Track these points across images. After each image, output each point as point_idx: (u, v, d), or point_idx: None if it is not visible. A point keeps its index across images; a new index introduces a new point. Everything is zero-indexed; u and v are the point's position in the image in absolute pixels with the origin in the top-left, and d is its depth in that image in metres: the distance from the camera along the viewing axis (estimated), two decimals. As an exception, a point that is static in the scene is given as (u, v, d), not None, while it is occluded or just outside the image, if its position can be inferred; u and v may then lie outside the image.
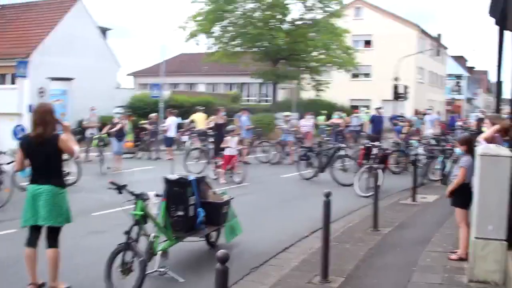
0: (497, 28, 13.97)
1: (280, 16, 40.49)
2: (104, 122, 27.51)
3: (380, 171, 14.72)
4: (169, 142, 24.10)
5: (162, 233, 7.62)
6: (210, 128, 19.57)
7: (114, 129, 19.61)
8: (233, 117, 27.46)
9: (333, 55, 41.41)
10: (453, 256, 8.32)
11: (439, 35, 75.90)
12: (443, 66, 77.49)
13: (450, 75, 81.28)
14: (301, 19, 42.13)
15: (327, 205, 7.40)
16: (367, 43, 60.24)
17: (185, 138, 24.63)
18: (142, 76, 63.63)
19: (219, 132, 18.51)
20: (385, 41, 57.51)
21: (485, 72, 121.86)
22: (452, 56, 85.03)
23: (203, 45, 44.54)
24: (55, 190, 6.75)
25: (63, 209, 6.83)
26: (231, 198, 9.06)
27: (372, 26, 58.12)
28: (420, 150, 17.26)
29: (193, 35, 40.83)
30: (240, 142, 21.66)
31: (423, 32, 63.30)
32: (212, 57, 42.01)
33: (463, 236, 8.28)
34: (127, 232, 6.74)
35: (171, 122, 24.27)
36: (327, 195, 7.36)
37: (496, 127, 9.07)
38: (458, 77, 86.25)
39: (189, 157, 18.79)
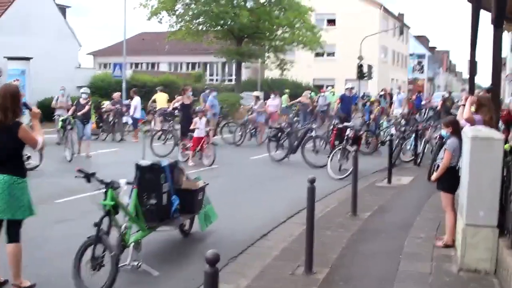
0: (469, 6, 13.72)
1: (243, -7, 39.78)
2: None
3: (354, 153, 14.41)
4: (136, 123, 23.44)
5: (134, 224, 7.08)
6: (175, 109, 18.94)
7: (83, 111, 17.98)
8: (200, 96, 27.01)
9: (298, 34, 40.89)
10: (439, 243, 7.99)
11: (401, 14, 76.05)
12: (406, 46, 77.77)
13: (412, 55, 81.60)
14: (265, -4, 41.45)
15: (311, 192, 6.91)
16: (331, 21, 59.95)
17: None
18: (103, 55, 62.17)
19: (186, 112, 17.90)
20: (348, 20, 57.29)
21: (446, 52, 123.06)
22: (414, 36, 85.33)
23: (165, 23, 43.57)
24: (12, 180, 6.06)
25: (23, 201, 6.15)
26: (206, 184, 8.56)
27: (336, 5, 57.73)
28: (393, 131, 16.96)
29: (155, 12, 39.78)
30: (207, 122, 21.20)
31: (386, 11, 63.26)
32: (175, 35, 41.06)
33: (450, 222, 7.95)
34: (97, 224, 6.20)
35: (136, 103, 23.60)
36: (312, 181, 6.85)
37: (470, 100, 8.73)
38: (421, 56, 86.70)
39: (155, 139, 18.11)
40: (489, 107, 8.74)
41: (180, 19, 40.70)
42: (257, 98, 22.10)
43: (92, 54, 65.65)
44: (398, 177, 13.79)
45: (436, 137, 15.24)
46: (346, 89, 20.68)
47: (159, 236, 8.10)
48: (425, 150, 16.34)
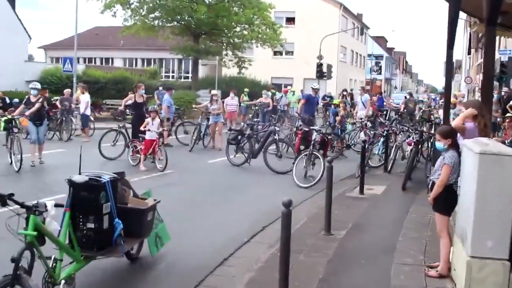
0: (446, 5, 12.71)
1: (201, -12, 38.28)
2: (13, 98, 25.17)
3: (322, 160, 13.24)
4: (86, 121, 21.85)
5: (67, 254, 5.70)
6: (127, 107, 17.42)
7: (32, 109, 14.96)
8: (154, 94, 25.50)
9: (257, 31, 39.64)
10: (432, 273, 6.80)
11: (360, 14, 75.67)
12: (364, 46, 77.44)
13: (370, 55, 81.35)
14: (224, -8, 40.06)
15: (287, 218, 5.59)
16: (290, 20, 58.98)
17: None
18: (54, 49, 60.11)
19: (138, 112, 16.46)
20: (308, 18, 56.50)
21: (403, 53, 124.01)
22: (372, 37, 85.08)
23: (120, 17, 41.76)
24: None
25: None
26: (157, 202, 7.14)
27: (295, 3, 56.78)
28: (362, 135, 15.83)
29: (108, 6, 37.93)
30: (161, 123, 19.76)
31: (346, 10, 62.57)
32: (129, 30, 39.32)
33: (445, 249, 6.76)
34: (15, 260, 4.80)
35: (86, 99, 22.03)
36: (287, 204, 5.54)
37: (466, 113, 7.61)
38: (379, 57, 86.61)
39: (103, 139, 16.50)
40: (481, 112, 7.63)
41: (134, 13, 39.01)
42: (214, 97, 20.13)
43: (43, 47, 63.51)
44: (369, 186, 12.58)
45: (410, 143, 14.18)
46: (312, 88, 19.36)
47: (99, 262, 6.70)
48: (396, 156, 15.26)
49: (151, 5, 38.27)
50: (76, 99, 23.64)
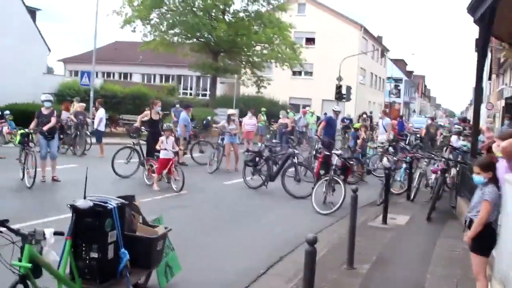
0: (465, 28, 12.26)
1: (222, 6, 37.98)
2: (31, 110, 24.66)
3: (342, 185, 12.65)
4: (100, 136, 21.42)
5: (66, 287, 5.16)
6: (143, 123, 16.95)
7: (49, 124, 14.42)
8: (171, 111, 25.03)
9: (277, 50, 39.24)
10: (467, 318, 6.20)
11: (380, 36, 75.17)
12: (384, 69, 76.86)
13: (389, 78, 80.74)
14: (244, 10, 39.77)
15: (310, 257, 4.99)
16: (309, 40, 58.60)
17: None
18: (74, 62, 60.13)
19: (154, 129, 15.98)
20: (327, 39, 56.09)
21: (422, 77, 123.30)
22: (392, 59, 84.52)
23: (139, 32, 41.57)
24: None
25: None
26: (168, 230, 6.57)
27: (315, 23, 56.53)
28: (385, 161, 15.22)
29: (128, 21, 37.80)
30: (177, 141, 19.27)
31: (366, 32, 62.11)
32: (148, 45, 39.11)
33: (482, 293, 6.15)
34: (6, 295, 4.28)
35: (102, 114, 21.63)
36: (312, 242, 4.95)
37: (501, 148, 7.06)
38: (398, 80, 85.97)
39: (117, 156, 16.01)
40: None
41: (154, 29, 38.83)
42: (231, 117, 19.37)
43: (63, 60, 63.59)
44: (392, 215, 11.94)
45: (436, 171, 13.55)
46: (334, 111, 18.72)
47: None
48: (420, 184, 14.64)
49: (171, 21, 38.15)
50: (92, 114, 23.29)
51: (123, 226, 5.68)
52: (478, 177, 6.21)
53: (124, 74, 60.75)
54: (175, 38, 39.58)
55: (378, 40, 70.59)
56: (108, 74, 59.61)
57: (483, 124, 20.59)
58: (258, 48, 40.00)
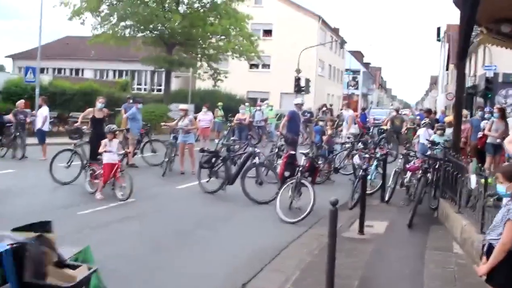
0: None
1: (175, -4, 36.24)
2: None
3: (311, 189, 11.18)
4: (43, 137, 19.46)
5: None
6: (83, 123, 15.19)
7: None
8: (122, 108, 23.20)
9: (234, 42, 37.67)
10: None
11: (336, 28, 74.17)
12: (342, 60, 75.94)
13: (348, 70, 79.89)
14: (199, 1, 38.04)
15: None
16: (267, 32, 57.10)
17: None
18: (22, 58, 57.24)
19: (97, 129, 14.27)
20: (285, 31, 54.64)
21: (379, 69, 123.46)
22: (350, 51, 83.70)
23: (90, 25, 39.41)
24: None
25: None
26: (92, 271, 4.91)
27: (272, 15, 55.00)
28: (357, 160, 13.81)
29: (77, 12, 35.66)
30: (126, 140, 17.58)
31: (325, 23, 60.91)
32: (98, 39, 37.03)
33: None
34: None
35: (45, 113, 19.64)
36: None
37: None
38: (356, 72, 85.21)
39: (56, 160, 14.21)
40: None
41: (104, 21, 36.80)
42: (185, 112, 17.33)
43: (11, 57, 60.83)
44: (367, 221, 10.43)
45: (413, 169, 12.21)
46: (296, 104, 17.12)
47: None
48: (396, 184, 13.28)
49: (122, 12, 36.10)
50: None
51: (22, 274, 4.04)
52: (501, 187, 4.79)
53: (76, 70, 58.39)
54: (127, 31, 37.66)
55: (336, 31, 69.51)
56: (59, 70, 57.11)
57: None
58: (214, 40, 38.39)
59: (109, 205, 11.77)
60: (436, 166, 11.84)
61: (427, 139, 13.46)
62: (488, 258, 4.87)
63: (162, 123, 20.17)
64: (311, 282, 7.08)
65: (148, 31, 37.28)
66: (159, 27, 36.54)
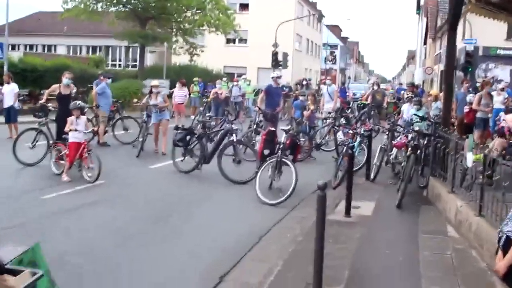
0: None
1: (148, -32, 34.99)
2: None
3: (292, 167, 10.45)
4: (15, 115, 18.27)
5: None
6: (48, 100, 14.23)
7: None
8: (93, 84, 22.10)
9: (210, 16, 36.61)
10: None
11: (314, 2, 73.19)
12: (320, 35, 75.05)
13: (325, 45, 79.07)
14: (174, -27, 36.82)
15: None
16: (243, 6, 56.08)
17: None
18: (-9, 34, 55.71)
19: (64, 106, 13.32)
20: (262, 5, 53.69)
21: (356, 43, 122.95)
22: (327, 25, 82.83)
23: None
24: None
25: None
26: (38, 277, 4.10)
27: (249, -12, 53.98)
28: (340, 136, 13.09)
29: (46, -14, 34.39)
30: (96, 117, 16.68)
31: (302, -3, 60.01)
32: (69, 13, 35.70)
33: None
34: None
35: (9, 89, 18.52)
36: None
37: None
38: (333, 47, 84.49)
39: (20, 140, 13.25)
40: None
41: (76, -5, 35.45)
42: (154, 89, 15.93)
43: (-20, 33, 59.05)
44: (354, 202, 9.69)
45: (400, 145, 11.53)
46: (272, 77, 16.27)
47: None
48: (382, 162, 12.60)
49: (93, -15, 34.84)
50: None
51: None
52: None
53: (48, 46, 57.04)
54: (99, 5, 36.36)
55: (313, 5, 68.53)
56: (31, 47, 55.75)
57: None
58: (189, 14, 37.29)
59: (75, 188, 10.91)
60: (425, 142, 11.16)
61: (415, 114, 12.73)
62: (505, 252, 4.17)
63: (135, 100, 18.97)
64: (296, 274, 6.36)
65: (121, 5, 36.07)
66: (133, 1, 35.38)
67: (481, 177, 7.34)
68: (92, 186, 11.17)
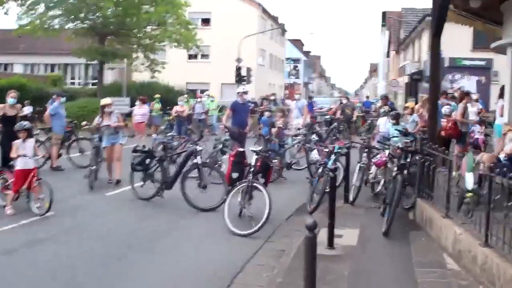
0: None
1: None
2: None
3: (265, 193, 9.35)
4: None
5: None
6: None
7: None
8: (48, 104, 20.72)
9: (171, 31, 35.48)
10: None
11: (276, 17, 72.74)
12: (282, 49, 74.50)
13: (288, 59, 78.59)
14: (133, -13, 35.61)
15: None
16: (205, 21, 55.12)
17: None
18: None
19: (9, 130, 12.00)
20: (224, 20, 52.84)
21: (318, 57, 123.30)
22: (289, 40, 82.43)
23: (15, 15, 36.59)
24: None
25: None
26: None
27: (211, 3, 52.90)
28: (315, 154, 12.05)
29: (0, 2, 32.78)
30: (49, 140, 15.39)
31: (265, 11, 59.31)
32: (24, 30, 34.24)
33: None
34: None
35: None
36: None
37: None
38: (296, 60, 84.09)
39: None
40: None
41: (31, 11, 33.99)
42: (106, 108, 13.91)
43: None
44: (335, 229, 8.61)
45: (380, 164, 10.57)
46: (238, 93, 15.21)
47: None
48: (362, 183, 11.57)
49: (48, 1, 33.40)
50: None
51: None
52: None
53: (5, 65, 55.14)
54: (56, 21, 34.94)
55: (275, 19, 67.96)
56: (-15, 65, 53.95)
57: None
58: (149, 29, 36.12)
59: (20, 222, 9.62)
60: (408, 160, 10.15)
61: (397, 130, 11.74)
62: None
63: (83, 122, 16.68)
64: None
65: (79, 21, 34.73)
66: (90, 16, 34.08)
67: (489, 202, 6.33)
68: (41, 219, 9.91)
